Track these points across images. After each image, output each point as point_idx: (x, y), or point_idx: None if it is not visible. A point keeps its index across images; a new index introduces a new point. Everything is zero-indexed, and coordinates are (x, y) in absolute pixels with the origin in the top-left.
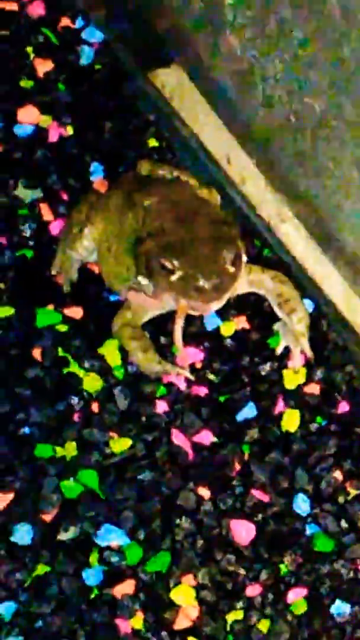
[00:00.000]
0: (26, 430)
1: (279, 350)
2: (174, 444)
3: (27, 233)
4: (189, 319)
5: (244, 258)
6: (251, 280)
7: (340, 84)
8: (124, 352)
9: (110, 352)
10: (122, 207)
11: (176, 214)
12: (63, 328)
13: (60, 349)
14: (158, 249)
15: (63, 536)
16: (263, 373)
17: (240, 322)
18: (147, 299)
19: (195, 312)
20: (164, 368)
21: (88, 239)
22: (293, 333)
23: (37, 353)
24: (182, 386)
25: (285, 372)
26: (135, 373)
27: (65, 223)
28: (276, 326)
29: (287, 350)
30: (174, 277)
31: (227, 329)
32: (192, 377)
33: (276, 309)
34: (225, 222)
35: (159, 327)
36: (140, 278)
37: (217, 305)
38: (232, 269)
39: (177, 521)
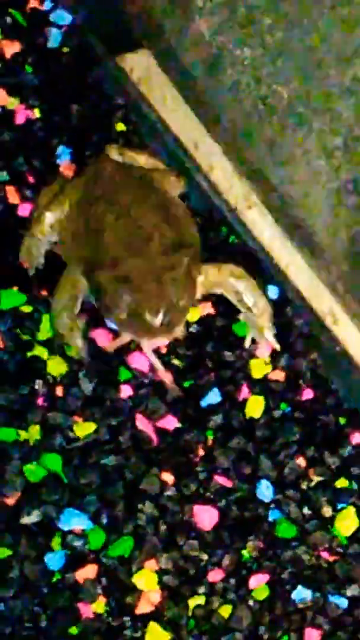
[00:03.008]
0: None
1: (247, 343)
2: (138, 428)
3: None
4: None
5: (200, 275)
6: (206, 284)
7: (309, 71)
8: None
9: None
10: (83, 210)
11: (131, 239)
12: (27, 309)
13: (23, 332)
14: (109, 284)
15: (25, 520)
16: (228, 359)
17: (206, 308)
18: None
19: (145, 346)
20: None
21: (48, 225)
22: (255, 327)
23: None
24: (146, 369)
25: (252, 361)
26: (100, 356)
27: (33, 207)
28: (242, 317)
29: (254, 340)
30: (123, 315)
31: (192, 314)
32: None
33: (237, 306)
34: (182, 244)
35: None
36: (95, 302)
37: (166, 340)
38: (182, 302)
39: (140, 506)
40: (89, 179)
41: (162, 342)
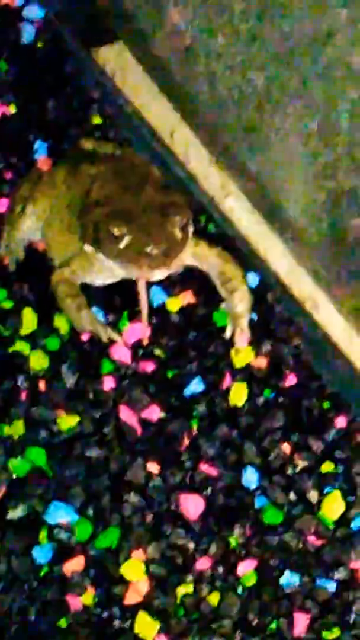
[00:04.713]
0: None
1: (228, 333)
2: (122, 420)
3: None
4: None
5: (191, 228)
6: (196, 253)
7: (283, 57)
8: (72, 328)
9: (58, 326)
10: (69, 178)
11: (123, 181)
12: (8, 305)
13: (4, 327)
14: (105, 216)
15: (12, 515)
16: (210, 348)
17: (187, 298)
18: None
19: (145, 278)
20: (94, 329)
21: (31, 218)
22: (233, 313)
23: None
24: (128, 361)
25: (233, 349)
26: (82, 349)
27: (9, 202)
28: (223, 306)
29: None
30: (121, 244)
31: (174, 304)
32: (119, 340)
33: (218, 288)
34: (174, 189)
35: (108, 302)
36: (86, 246)
37: (165, 271)
38: (180, 235)
39: (126, 497)
40: (68, 159)
41: (159, 275)
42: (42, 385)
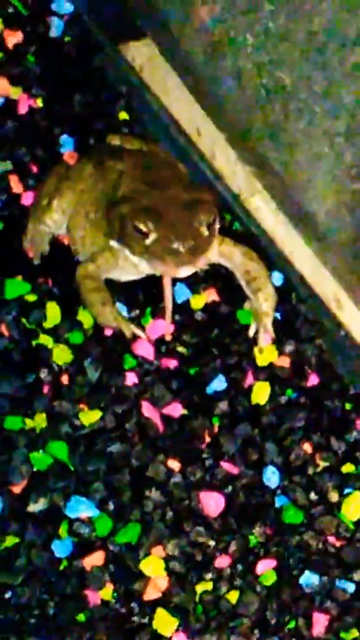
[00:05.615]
0: None
1: (252, 332)
2: (144, 416)
3: None
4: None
5: (217, 225)
6: (222, 251)
7: (311, 57)
8: (96, 323)
9: (82, 320)
10: (95, 173)
11: (150, 178)
12: (32, 298)
13: (29, 321)
14: (132, 213)
15: (32, 508)
16: (233, 346)
17: (211, 295)
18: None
19: (170, 275)
20: (118, 325)
21: (57, 212)
22: (257, 312)
23: (5, 325)
24: (151, 357)
25: (256, 347)
26: (105, 344)
27: (35, 196)
28: (248, 305)
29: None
30: (148, 240)
31: (197, 301)
32: (143, 336)
33: (243, 286)
34: (200, 186)
35: (132, 298)
36: (112, 242)
37: (192, 269)
38: (206, 232)
39: (147, 493)
40: (94, 154)
41: (185, 272)
42: (64, 379)
